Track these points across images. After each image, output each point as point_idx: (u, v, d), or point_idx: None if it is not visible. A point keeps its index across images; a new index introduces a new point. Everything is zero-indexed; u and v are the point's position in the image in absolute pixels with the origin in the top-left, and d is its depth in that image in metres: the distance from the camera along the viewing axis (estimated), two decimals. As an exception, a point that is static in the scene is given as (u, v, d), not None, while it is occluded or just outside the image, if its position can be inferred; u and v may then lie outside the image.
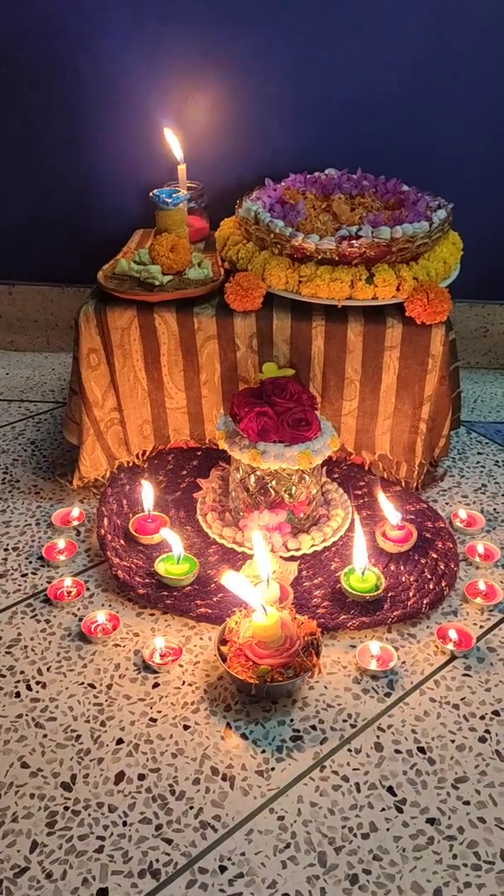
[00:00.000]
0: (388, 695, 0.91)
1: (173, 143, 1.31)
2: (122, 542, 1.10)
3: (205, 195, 1.39)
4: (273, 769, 0.82)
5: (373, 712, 0.88)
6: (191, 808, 0.79)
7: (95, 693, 0.91)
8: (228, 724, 0.87)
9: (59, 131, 1.46)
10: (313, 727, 0.87)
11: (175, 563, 1.04)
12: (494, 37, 1.32)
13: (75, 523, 1.16)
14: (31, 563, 1.10)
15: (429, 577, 1.05)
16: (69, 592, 1.04)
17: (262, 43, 1.35)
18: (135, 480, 1.22)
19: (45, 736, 0.86)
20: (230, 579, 0.89)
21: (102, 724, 0.87)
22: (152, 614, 1.02)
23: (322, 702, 0.90)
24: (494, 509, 1.20)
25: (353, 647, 0.96)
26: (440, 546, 1.10)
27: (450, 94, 1.37)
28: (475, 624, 1.00)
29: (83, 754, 0.84)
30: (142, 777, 0.81)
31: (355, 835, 0.76)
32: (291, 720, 0.88)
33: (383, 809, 0.79)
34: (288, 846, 0.75)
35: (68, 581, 1.05)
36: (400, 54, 1.34)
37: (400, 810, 0.78)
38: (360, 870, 0.73)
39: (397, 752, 0.84)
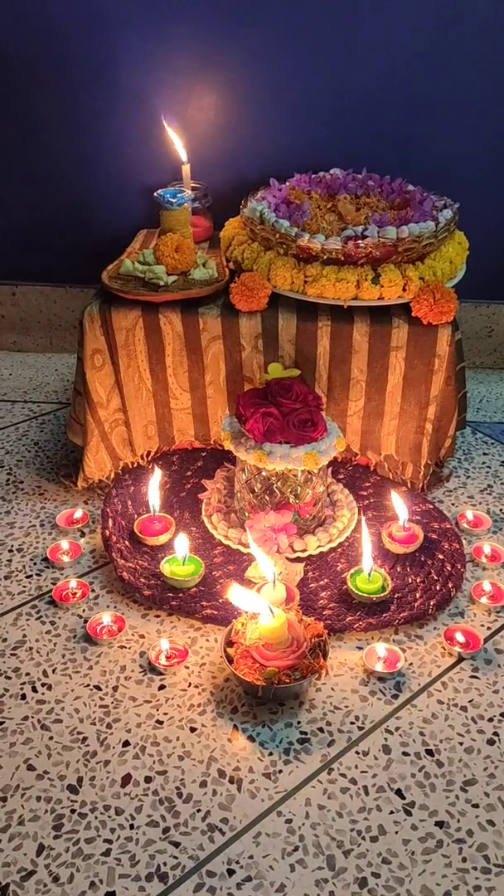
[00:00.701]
0: (395, 697, 0.90)
1: (176, 141, 1.31)
2: (126, 543, 1.10)
3: (209, 195, 1.38)
4: (280, 772, 0.82)
5: (380, 714, 0.88)
6: (198, 810, 0.78)
7: (101, 695, 0.90)
8: (235, 726, 0.87)
9: (62, 132, 1.46)
10: (320, 729, 0.86)
11: (180, 564, 1.04)
12: (500, 37, 1.32)
13: (80, 524, 1.16)
14: (35, 564, 1.10)
15: (435, 578, 1.04)
16: (74, 594, 1.03)
17: (267, 42, 1.35)
18: (139, 481, 1.21)
19: (51, 738, 0.85)
20: (235, 594, 0.88)
21: (108, 726, 0.87)
22: (158, 616, 1.01)
23: (329, 704, 0.89)
24: (501, 510, 1.20)
25: (360, 648, 0.96)
26: (446, 547, 1.09)
27: (455, 93, 1.37)
28: (482, 625, 1.00)
29: (89, 756, 0.83)
30: (148, 780, 0.81)
31: (364, 838, 0.76)
32: (298, 722, 0.87)
33: (392, 812, 0.78)
34: (296, 849, 0.75)
35: (73, 582, 1.05)
36: (404, 54, 1.34)
37: (408, 813, 0.78)
38: (369, 873, 0.73)
39: (405, 754, 0.84)
